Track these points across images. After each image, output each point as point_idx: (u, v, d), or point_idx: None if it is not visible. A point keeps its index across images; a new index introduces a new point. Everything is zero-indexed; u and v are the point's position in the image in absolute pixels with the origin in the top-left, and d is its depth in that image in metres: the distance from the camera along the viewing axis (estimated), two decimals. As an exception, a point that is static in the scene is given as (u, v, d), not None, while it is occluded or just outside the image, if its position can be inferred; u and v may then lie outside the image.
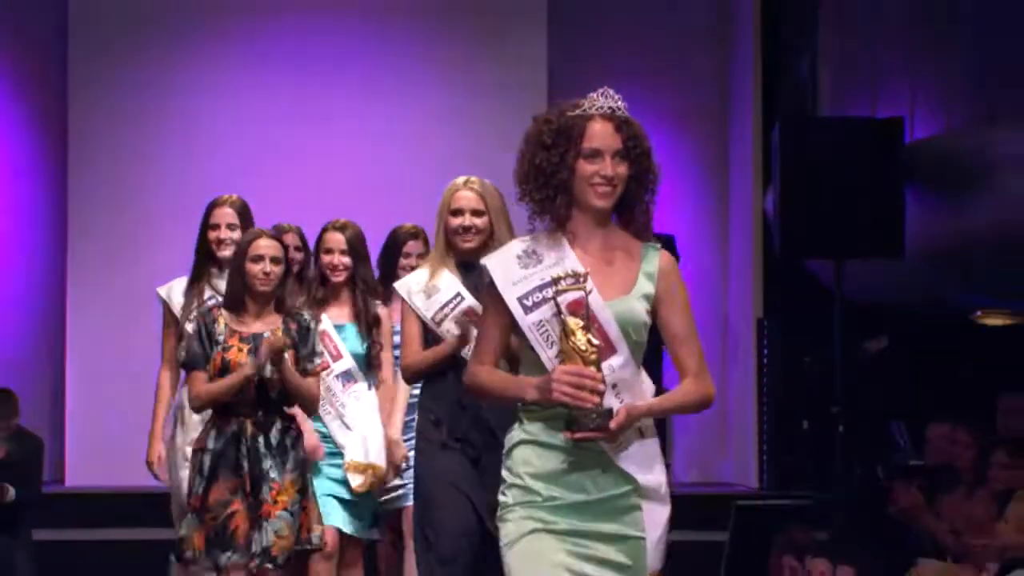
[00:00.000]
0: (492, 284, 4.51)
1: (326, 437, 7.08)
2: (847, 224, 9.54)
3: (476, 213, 6.13)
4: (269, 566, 6.47)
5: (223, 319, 6.59)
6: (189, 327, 6.90)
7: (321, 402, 6.85)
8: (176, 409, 7.16)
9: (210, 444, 6.51)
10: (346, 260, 7.20)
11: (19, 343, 12.44)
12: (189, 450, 6.88)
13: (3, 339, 12.11)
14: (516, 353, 4.66)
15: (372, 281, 7.30)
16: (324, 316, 7.07)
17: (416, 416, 6.33)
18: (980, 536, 8.21)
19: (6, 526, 9.34)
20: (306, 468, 6.67)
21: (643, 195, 4.51)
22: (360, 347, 7.15)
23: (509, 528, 4.43)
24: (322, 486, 6.96)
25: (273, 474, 6.50)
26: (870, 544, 8.82)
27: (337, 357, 7.11)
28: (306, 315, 6.69)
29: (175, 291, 7.23)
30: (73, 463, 12.22)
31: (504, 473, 4.50)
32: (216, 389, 6.47)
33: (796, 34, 12.49)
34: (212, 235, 7.15)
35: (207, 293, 7.12)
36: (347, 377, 7.14)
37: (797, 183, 9.79)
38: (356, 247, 7.25)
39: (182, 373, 7.01)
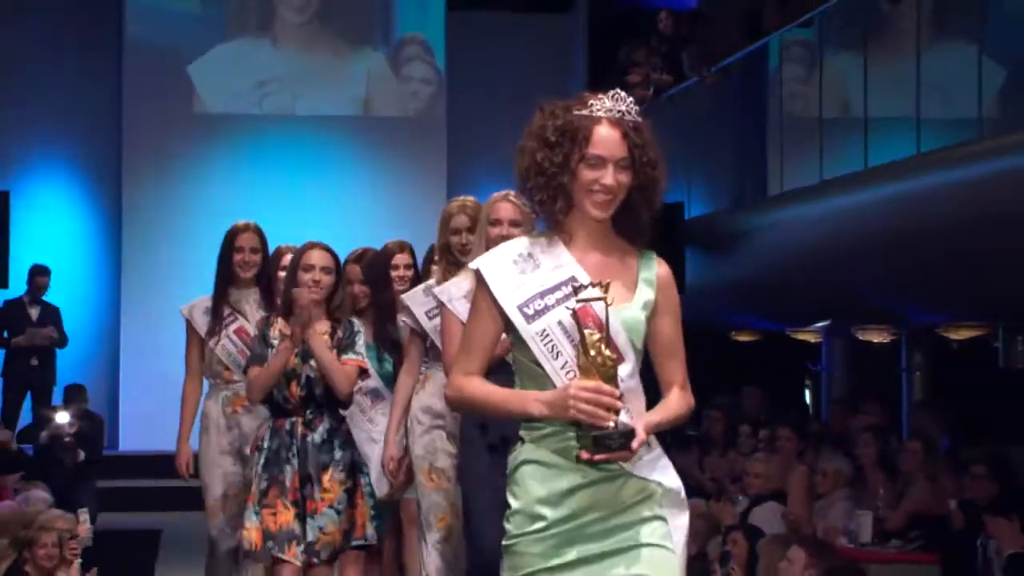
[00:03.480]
0: (485, 289, 3.11)
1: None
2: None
3: (514, 224, 4.68)
4: (315, 560, 5.11)
5: (278, 325, 5.25)
6: (225, 341, 5.84)
7: (351, 416, 5.48)
8: (201, 417, 5.94)
9: (265, 443, 5.23)
10: (365, 289, 5.84)
11: (88, 349, 12.30)
12: (220, 454, 5.87)
13: (77, 347, 12.08)
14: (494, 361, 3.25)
15: (390, 304, 5.78)
16: None
17: (460, 420, 4.89)
18: (731, 482, 8.42)
19: (78, 478, 9.31)
20: (356, 468, 5.25)
21: (645, 204, 3.13)
22: (382, 367, 5.77)
23: (510, 563, 3.08)
24: None
25: (319, 472, 5.14)
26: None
27: (366, 376, 5.50)
28: (354, 321, 5.33)
29: (196, 310, 5.97)
30: (125, 434, 12.09)
31: (509, 498, 3.11)
32: (264, 371, 5.16)
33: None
34: (238, 258, 5.86)
35: (226, 311, 5.89)
36: (375, 395, 5.75)
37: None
38: (373, 274, 5.89)
39: (205, 383, 5.96)
